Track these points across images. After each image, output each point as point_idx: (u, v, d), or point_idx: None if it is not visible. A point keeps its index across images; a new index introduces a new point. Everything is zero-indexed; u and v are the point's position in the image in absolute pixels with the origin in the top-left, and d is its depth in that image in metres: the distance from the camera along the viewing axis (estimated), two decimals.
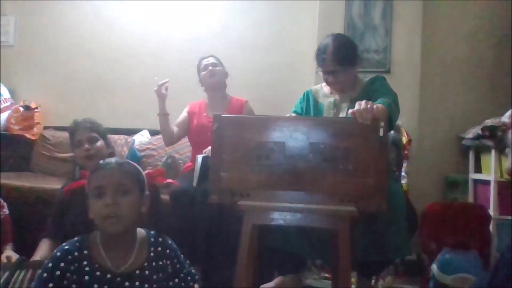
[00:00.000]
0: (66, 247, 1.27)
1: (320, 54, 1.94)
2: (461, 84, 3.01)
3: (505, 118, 0.97)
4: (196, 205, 2.07)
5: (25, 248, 1.80)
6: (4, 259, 1.74)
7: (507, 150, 0.96)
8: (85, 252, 1.27)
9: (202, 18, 3.27)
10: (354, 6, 2.89)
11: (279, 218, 1.50)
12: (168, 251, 1.39)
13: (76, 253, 1.26)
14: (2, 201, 2.02)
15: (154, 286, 1.32)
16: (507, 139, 0.96)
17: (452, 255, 2.16)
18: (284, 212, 1.49)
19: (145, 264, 1.32)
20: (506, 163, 0.94)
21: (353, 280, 1.89)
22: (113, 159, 1.38)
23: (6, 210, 2.01)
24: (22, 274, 1.56)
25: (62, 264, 1.23)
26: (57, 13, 3.41)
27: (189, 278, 1.42)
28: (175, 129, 2.54)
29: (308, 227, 1.60)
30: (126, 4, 3.34)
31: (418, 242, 2.40)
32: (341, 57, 1.90)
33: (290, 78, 3.15)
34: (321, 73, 1.98)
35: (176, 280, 1.39)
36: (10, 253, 1.81)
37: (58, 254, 1.26)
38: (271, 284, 1.90)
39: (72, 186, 1.84)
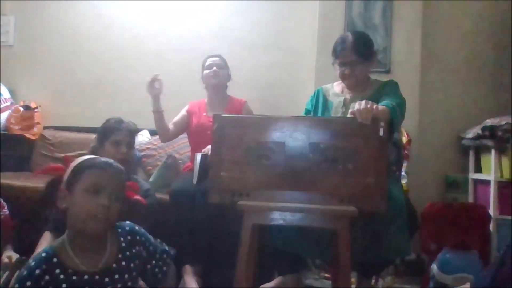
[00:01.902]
0: (32, 263, 1.22)
1: (339, 45, 1.96)
2: (461, 84, 3.01)
3: None
4: (196, 205, 2.07)
5: (25, 248, 1.80)
6: (4, 259, 1.74)
7: None
8: (55, 260, 1.23)
9: (202, 18, 3.26)
10: (354, 6, 2.89)
11: (279, 218, 1.50)
12: (138, 237, 1.39)
13: (44, 266, 1.21)
14: (2, 201, 2.02)
15: (134, 274, 1.32)
16: None
17: (452, 255, 2.16)
18: (284, 212, 1.50)
19: (120, 255, 1.32)
20: None
21: (353, 280, 1.89)
22: (112, 161, 1.35)
23: (6, 210, 2.01)
24: None
25: (28, 283, 1.18)
26: (57, 13, 3.41)
27: (165, 256, 1.44)
28: (171, 126, 2.53)
29: (308, 227, 1.60)
30: (126, 4, 3.33)
31: (418, 242, 2.40)
32: (360, 48, 1.92)
33: (290, 78, 3.15)
34: (337, 66, 1.97)
35: (153, 261, 1.40)
36: (10, 253, 1.81)
37: (25, 273, 1.21)
38: (271, 284, 1.91)
39: (45, 171, 1.81)
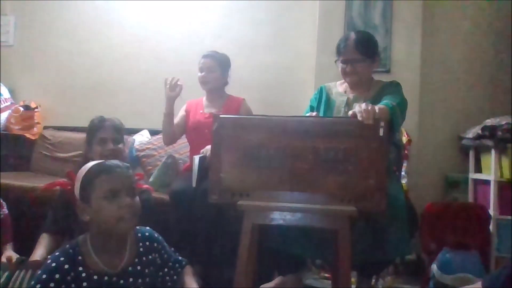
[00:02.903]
0: (61, 258, 1.25)
1: (342, 42, 1.98)
2: (461, 84, 3.00)
3: None
4: (196, 205, 2.07)
5: (25, 248, 1.80)
6: (4, 259, 1.74)
7: None
8: (79, 258, 1.26)
9: (202, 18, 3.27)
10: (354, 6, 2.89)
11: (279, 218, 1.50)
12: (155, 244, 1.42)
13: (71, 261, 1.24)
14: (1, 200, 2.02)
15: (147, 279, 1.35)
16: None
17: (452, 255, 2.16)
18: (284, 212, 1.50)
19: (136, 260, 1.34)
20: None
21: (353, 280, 1.89)
22: (117, 162, 1.35)
23: (5, 210, 2.01)
24: (22, 274, 1.56)
25: (57, 276, 1.21)
26: (57, 13, 3.41)
27: (177, 265, 1.47)
28: (175, 128, 2.51)
29: (308, 227, 1.60)
30: (126, 4, 3.34)
31: (418, 242, 2.40)
32: (362, 46, 1.93)
33: (290, 78, 3.15)
34: (340, 64, 1.99)
35: (166, 269, 1.44)
36: (10, 253, 1.80)
37: (53, 265, 1.23)
38: (271, 284, 1.91)
39: (52, 186, 1.83)
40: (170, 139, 2.54)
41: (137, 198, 1.32)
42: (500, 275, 0.89)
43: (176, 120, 2.55)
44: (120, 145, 1.96)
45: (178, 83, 2.34)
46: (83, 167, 1.35)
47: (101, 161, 1.37)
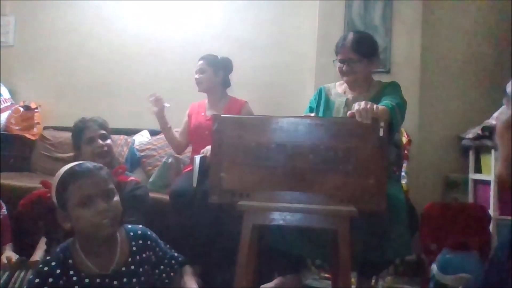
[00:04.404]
0: (52, 263, 1.23)
1: (340, 41, 1.99)
2: (461, 84, 3.00)
3: (492, 120, 0.86)
4: (196, 206, 2.07)
5: (25, 248, 1.80)
6: (4, 259, 1.74)
7: (497, 153, 0.85)
8: (70, 261, 1.25)
9: (202, 18, 3.27)
10: (354, 6, 2.89)
11: (279, 218, 1.50)
12: (149, 242, 1.39)
13: (62, 266, 1.23)
14: (0, 201, 2.02)
15: (142, 278, 1.33)
16: (495, 141, 0.85)
17: (452, 255, 2.15)
18: (284, 212, 1.49)
19: (129, 259, 1.32)
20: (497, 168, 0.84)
21: (353, 280, 1.89)
22: (88, 164, 1.30)
23: (4, 211, 2.01)
24: (22, 274, 1.56)
25: (50, 280, 1.20)
26: (57, 13, 3.41)
27: (173, 262, 1.45)
28: (180, 138, 2.57)
29: (308, 227, 1.60)
30: (126, 4, 3.34)
31: (418, 243, 2.40)
32: (359, 46, 1.94)
33: (290, 78, 3.15)
34: (337, 63, 1.99)
35: (162, 267, 1.41)
36: (10, 254, 1.81)
37: (45, 269, 1.22)
38: (271, 284, 1.91)
39: (29, 199, 1.81)
40: (177, 149, 2.61)
41: (116, 198, 1.27)
42: (477, 277, 0.89)
43: (181, 128, 2.61)
44: (109, 141, 1.96)
45: (156, 98, 2.40)
46: (56, 174, 1.30)
47: (73, 164, 1.31)
